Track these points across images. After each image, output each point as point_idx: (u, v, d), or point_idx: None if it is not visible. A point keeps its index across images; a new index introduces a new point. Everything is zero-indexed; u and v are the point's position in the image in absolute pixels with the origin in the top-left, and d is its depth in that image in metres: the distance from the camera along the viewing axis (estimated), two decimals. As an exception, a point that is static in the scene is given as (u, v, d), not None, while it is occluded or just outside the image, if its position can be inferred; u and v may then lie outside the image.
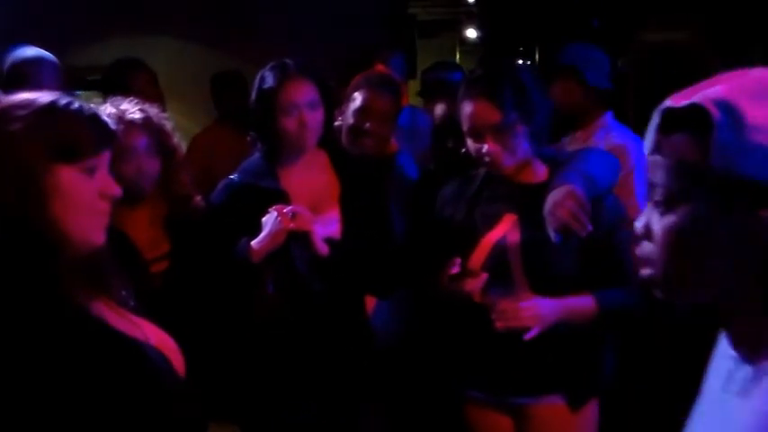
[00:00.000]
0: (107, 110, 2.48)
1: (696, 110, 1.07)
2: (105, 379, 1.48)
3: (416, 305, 3.07)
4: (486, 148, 2.49)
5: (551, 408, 2.59)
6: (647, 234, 1.15)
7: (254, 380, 2.71)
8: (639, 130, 3.28)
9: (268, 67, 2.68)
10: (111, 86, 3.92)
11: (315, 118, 2.62)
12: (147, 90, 3.86)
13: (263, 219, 2.52)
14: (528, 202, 2.51)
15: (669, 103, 1.11)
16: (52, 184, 1.47)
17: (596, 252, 2.47)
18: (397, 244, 2.78)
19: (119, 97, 2.60)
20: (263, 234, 2.50)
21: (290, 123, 2.60)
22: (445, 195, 2.76)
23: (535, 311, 2.42)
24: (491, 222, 2.58)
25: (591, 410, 2.63)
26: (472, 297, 2.49)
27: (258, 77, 2.68)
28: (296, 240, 2.53)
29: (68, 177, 1.48)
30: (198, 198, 2.72)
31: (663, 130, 1.12)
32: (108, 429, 1.48)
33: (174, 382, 1.62)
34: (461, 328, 2.64)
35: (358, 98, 3.03)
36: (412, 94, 6.41)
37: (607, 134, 3.43)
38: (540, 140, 2.56)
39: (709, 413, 1.20)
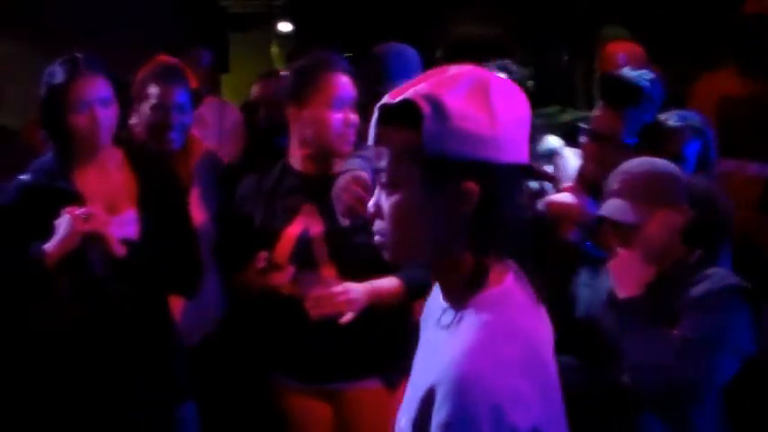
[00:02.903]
0: None
1: (408, 105, 1.28)
2: None
3: (226, 301, 3.06)
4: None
5: (369, 391, 2.68)
6: (378, 212, 1.37)
7: (55, 390, 2.59)
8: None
9: (57, 61, 2.56)
10: None
11: (108, 115, 2.54)
12: None
13: (57, 222, 2.42)
14: (325, 192, 2.57)
15: (386, 99, 1.32)
16: None
17: None
18: (198, 242, 2.75)
19: None
20: (56, 238, 2.41)
21: (81, 120, 2.50)
22: (243, 192, 2.78)
23: (348, 296, 2.47)
24: (291, 215, 2.63)
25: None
26: (281, 290, 2.53)
27: (47, 72, 2.56)
28: (92, 243, 2.45)
29: None
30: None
31: (382, 123, 1.33)
32: None
33: None
34: (273, 320, 2.66)
35: (152, 93, 2.96)
36: (225, 88, 6.32)
37: None
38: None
39: (425, 346, 1.48)
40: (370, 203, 1.38)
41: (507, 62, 3.45)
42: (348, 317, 2.46)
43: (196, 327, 3.01)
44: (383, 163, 1.34)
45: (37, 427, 2.62)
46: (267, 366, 2.76)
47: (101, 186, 2.59)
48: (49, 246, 2.41)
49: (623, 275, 2.28)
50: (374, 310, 2.52)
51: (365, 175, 2.47)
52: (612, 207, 2.31)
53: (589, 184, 2.81)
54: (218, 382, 3.08)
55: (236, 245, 2.71)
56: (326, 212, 2.57)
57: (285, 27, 8.23)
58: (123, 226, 2.54)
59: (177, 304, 2.85)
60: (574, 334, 2.41)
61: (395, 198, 1.33)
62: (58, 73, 2.52)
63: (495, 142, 1.27)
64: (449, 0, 7.60)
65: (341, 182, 2.49)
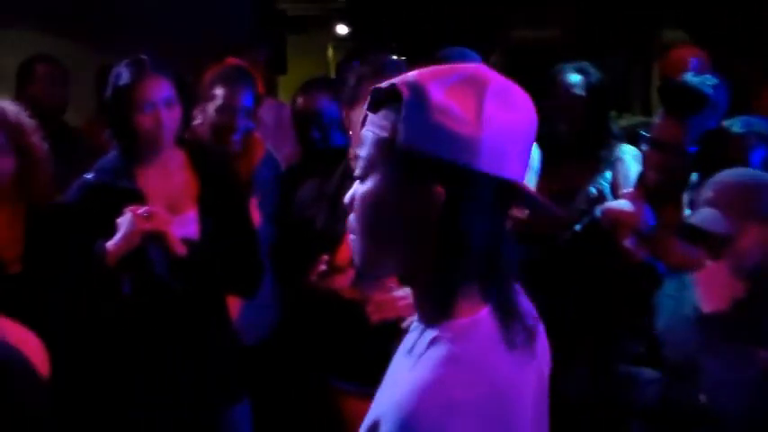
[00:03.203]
0: None
1: (392, 89, 1.17)
2: None
3: (284, 303, 3.07)
4: None
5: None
6: (352, 204, 1.24)
7: (115, 385, 2.63)
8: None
9: (123, 63, 2.61)
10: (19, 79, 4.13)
11: (171, 116, 2.57)
12: (47, 84, 3.82)
13: (119, 220, 2.45)
14: None
15: (379, 84, 1.21)
16: None
17: None
18: (259, 243, 2.76)
19: None
20: (118, 236, 2.44)
21: (145, 121, 2.54)
22: (304, 196, 2.76)
23: (409, 301, 2.42)
24: None
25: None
26: (342, 293, 2.50)
27: (113, 74, 2.61)
28: (153, 242, 2.47)
29: None
30: (59, 197, 2.63)
31: (370, 107, 1.22)
32: None
33: (29, 382, 1.58)
34: (333, 323, 2.64)
35: (219, 95, 2.99)
36: (282, 90, 6.37)
37: None
38: None
39: (393, 373, 1.29)
40: (347, 195, 1.25)
41: (585, 64, 3.41)
42: (408, 322, 2.44)
43: (252, 328, 3.02)
44: (363, 150, 1.22)
45: (90, 422, 2.65)
46: (324, 369, 2.76)
47: (163, 186, 2.62)
48: (110, 244, 2.44)
49: (710, 289, 2.22)
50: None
51: None
52: (704, 216, 2.22)
53: (649, 191, 2.78)
54: (274, 384, 3.08)
55: (296, 248, 2.71)
56: None
57: (342, 30, 8.29)
58: (184, 225, 2.56)
59: (234, 304, 2.87)
60: (653, 346, 2.37)
61: (365, 186, 1.21)
62: (123, 74, 2.56)
63: (475, 147, 1.13)
64: (505, 3, 7.57)
65: None
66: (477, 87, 1.16)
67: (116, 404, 2.64)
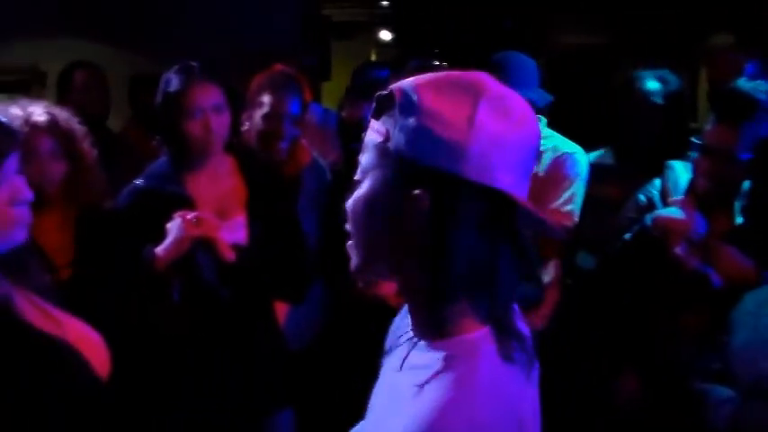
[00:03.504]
0: (13, 111, 2.43)
1: (389, 95, 1.18)
2: (15, 378, 1.47)
3: (331, 309, 3.07)
4: None
5: None
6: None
7: (162, 389, 2.64)
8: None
9: (173, 69, 2.63)
10: (60, 87, 4.18)
11: (221, 122, 2.58)
12: (86, 90, 3.87)
13: (168, 225, 2.46)
14: None
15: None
16: None
17: None
18: (307, 249, 2.76)
19: (26, 100, 2.53)
20: (167, 241, 2.45)
21: (195, 127, 2.56)
22: None
23: None
24: None
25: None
26: (388, 300, 2.49)
27: (163, 80, 2.63)
28: (202, 247, 2.48)
29: None
30: (110, 203, 2.66)
31: (373, 114, 1.22)
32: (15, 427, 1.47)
33: (88, 382, 1.61)
34: (379, 330, 2.63)
35: (265, 102, 3.00)
36: (326, 96, 6.39)
37: (548, 143, 3.24)
38: None
39: (384, 393, 1.31)
40: (349, 201, 1.25)
41: (665, 71, 3.36)
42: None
43: (298, 333, 3.03)
44: (363, 155, 1.22)
45: (137, 424, 2.67)
46: (371, 376, 2.76)
47: (211, 191, 2.64)
48: (160, 249, 2.45)
49: None
50: None
51: None
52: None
53: (700, 199, 2.74)
54: (320, 391, 3.08)
55: (343, 253, 2.70)
56: None
57: (386, 35, 8.30)
58: (233, 231, 2.57)
59: (281, 310, 2.87)
60: (729, 363, 2.33)
61: (360, 188, 1.21)
62: (173, 80, 2.59)
63: (464, 154, 1.10)
64: (551, 9, 7.53)
65: None
66: (473, 94, 1.13)
67: (162, 408, 2.66)
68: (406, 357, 1.22)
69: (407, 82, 1.17)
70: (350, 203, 1.23)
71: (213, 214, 2.52)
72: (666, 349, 2.79)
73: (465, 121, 1.11)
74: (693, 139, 2.80)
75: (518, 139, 1.15)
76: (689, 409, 2.65)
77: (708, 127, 2.75)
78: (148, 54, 5.49)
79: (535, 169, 3.19)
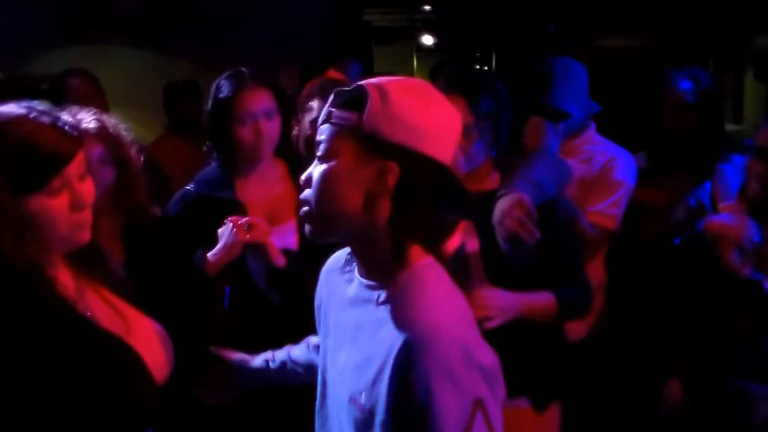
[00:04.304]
0: (63, 119, 2.45)
1: (359, 89, 1.48)
2: (68, 377, 1.50)
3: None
4: None
5: (516, 411, 2.58)
6: (308, 182, 1.53)
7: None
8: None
9: (224, 75, 2.65)
10: (55, 96, 3.97)
11: (271, 127, 2.59)
12: (86, 98, 3.86)
13: (219, 230, 2.47)
14: (481, 209, 2.49)
15: (340, 87, 1.52)
16: (22, 217, 1.49)
17: (549, 253, 2.46)
18: None
19: (75, 106, 2.56)
20: (218, 246, 2.46)
21: (245, 133, 2.57)
22: None
23: (498, 302, 2.38)
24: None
25: (554, 413, 2.63)
26: None
27: (214, 86, 2.65)
28: (252, 252, 2.49)
29: (37, 205, 1.51)
30: (155, 209, 2.68)
31: (334, 105, 1.51)
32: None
33: (142, 385, 1.64)
34: None
35: (314, 108, 3.01)
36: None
37: (598, 148, 3.24)
38: (499, 148, 2.54)
39: (353, 324, 1.56)
40: (304, 174, 1.54)
41: (697, 70, 3.31)
42: (494, 323, 2.35)
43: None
44: (324, 137, 1.50)
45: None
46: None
47: (262, 197, 2.65)
48: (211, 254, 2.47)
49: None
50: (525, 327, 2.46)
51: (527, 198, 2.38)
52: None
53: (753, 204, 2.70)
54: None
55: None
56: (483, 229, 2.50)
57: (428, 40, 8.30)
58: (283, 236, 2.58)
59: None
60: None
61: (326, 166, 1.49)
62: (224, 86, 2.60)
63: (423, 134, 1.45)
64: (593, 12, 7.48)
65: (503, 205, 2.40)
66: (425, 92, 1.50)
67: (212, 413, 2.68)
68: (358, 296, 1.55)
69: (375, 81, 1.49)
70: (311, 177, 1.51)
71: (264, 219, 2.52)
72: (713, 352, 2.76)
73: (422, 110, 1.46)
74: (746, 141, 2.75)
75: (454, 124, 1.52)
76: (731, 407, 2.62)
77: (761, 128, 2.71)
78: (189, 61, 5.55)
79: (584, 173, 3.16)
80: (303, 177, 1.55)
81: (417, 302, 1.44)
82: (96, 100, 3.98)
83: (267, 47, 5.44)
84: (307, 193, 1.54)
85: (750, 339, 2.62)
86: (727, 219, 2.69)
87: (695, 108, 3.32)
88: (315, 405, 1.77)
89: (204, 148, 2.72)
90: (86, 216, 1.62)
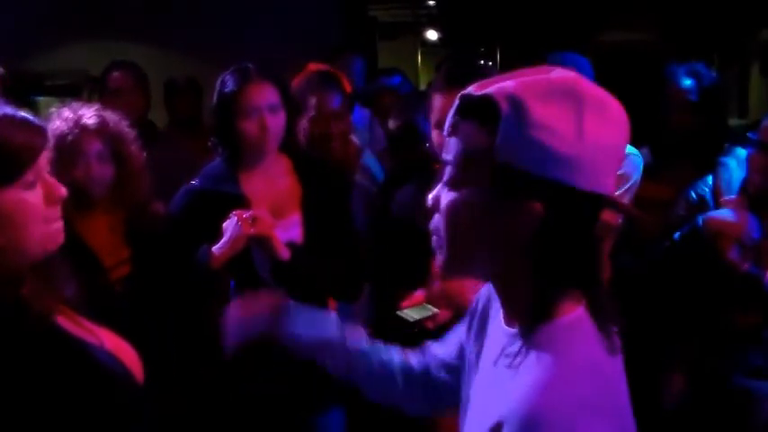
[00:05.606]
0: (64, 114, 2.48)
1: (488, 101, 1.16)
2: (59, 384, 1.47)
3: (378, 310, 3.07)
4: None
5: None
6: (436, 207, 1.26)
7: (215, 387, 2.69)
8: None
9: (229, 70, 2.65)
10: (98, 86, 4.15)
11: (276, 122, 2.60)
12: (126, 90, 3.90)
13: (224, 224, 2.48)
14: None
15: (470, 90, 1.21)
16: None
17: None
18: (360, 247, 2.77)
19: (78, 102, 2.58)
20: (223, 240, 2.47)
21: (250, 127, 2.57)
22: (404, 199, 2.75)
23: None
24: None
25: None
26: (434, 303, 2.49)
27: (219, 81, 2.66)
28: (257, 245, 2.50)
29: (10, 198, 1.44)
30: (157, 205, 2.70)
31: (460, 114, 1.22)
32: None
33: (130, 389, 1.61)
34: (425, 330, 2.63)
35: (311, 105, 3.03)
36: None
37: None
38: None
39: (483, 386, 1.32)
40: (430, 196, 1.28)
41: (699, 65, 3.30)
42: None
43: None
44: (450, 155, 1.23)
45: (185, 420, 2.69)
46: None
47: (267, 191, 2.65)
48: (216, 248, 2.48)
49: None
50: None
51: None
52: None
53: (754, 198, 2.70)
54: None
55: (396, 252, 2.70)
56: None
57: (432, 35, 8.30)
58: (288, 229, 2.59)
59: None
60: None
61: (455, 196, 1.22)
62: (229, 81, 2.61)
63: (575, 164, 1.13)
64: (598, 6, 7.48)
65: None
66: (576, 101, 1.15)
67: (212, 405, 2.70)
68: (503, 353, 1.25)
69: (510, 89, 1.16)
70: (439, 202, 1.25)
71: (268, 213, 2.53)
72: (714, 348, 2.76)
73: (574, 132, 1.13)
74: (749, 135, 2.75)
75: (618, 142, 1.19)
76: (733, 404, 2.62)
77: (765, 122, 2.70)
78: (190, 58, 5.57)
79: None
80: (430, 198, 1.28)
81: (535, 376, 1.15)
82: (135, 94, 4.03)
83: (270, 42, 5.45)
84: (436, 221, 1.27)
85: (751, 336, 2.62)
86: (727, 214, 2.69)
87: (698, 107, 3.32)
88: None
89: (209, 143, 2.74)
90: (58, 212, 1.54)
